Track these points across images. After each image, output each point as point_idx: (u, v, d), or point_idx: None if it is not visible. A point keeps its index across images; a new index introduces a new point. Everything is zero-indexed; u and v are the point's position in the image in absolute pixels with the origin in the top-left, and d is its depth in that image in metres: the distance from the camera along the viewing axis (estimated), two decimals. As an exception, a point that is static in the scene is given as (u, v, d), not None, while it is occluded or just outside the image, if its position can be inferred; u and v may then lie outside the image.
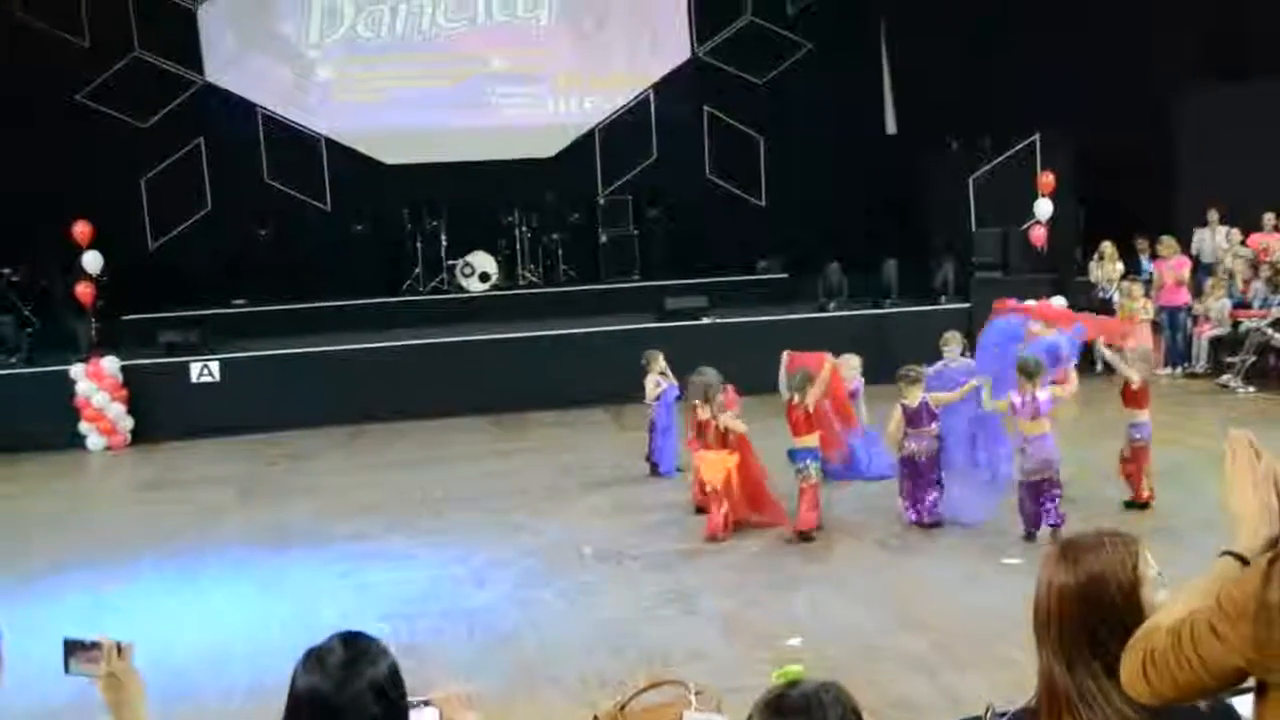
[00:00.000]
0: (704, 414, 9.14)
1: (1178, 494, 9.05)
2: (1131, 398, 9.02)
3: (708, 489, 9.03)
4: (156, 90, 18.06)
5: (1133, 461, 8.98)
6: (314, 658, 2.26)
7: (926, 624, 6.92)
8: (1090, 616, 2.29)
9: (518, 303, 17.49)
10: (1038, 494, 8.35)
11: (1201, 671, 1.94)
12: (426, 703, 2.41)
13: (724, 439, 9.03)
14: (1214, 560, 2.08)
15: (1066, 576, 2.34)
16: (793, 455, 8.92)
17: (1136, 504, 8.91)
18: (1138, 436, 8.96)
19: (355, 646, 2.28)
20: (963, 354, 10.49)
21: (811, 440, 8.88)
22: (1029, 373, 8.49)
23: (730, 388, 9.52)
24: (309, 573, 8.63)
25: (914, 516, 8.97)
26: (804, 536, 8.67)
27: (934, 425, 9.04)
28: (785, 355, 9.61)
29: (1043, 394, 8.44)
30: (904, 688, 5.94)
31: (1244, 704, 2.17)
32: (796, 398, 8.81)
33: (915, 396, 8.99)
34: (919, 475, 8.99)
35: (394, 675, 2.29)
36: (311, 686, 2.22)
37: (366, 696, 2.22)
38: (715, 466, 8.97)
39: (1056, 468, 8.38)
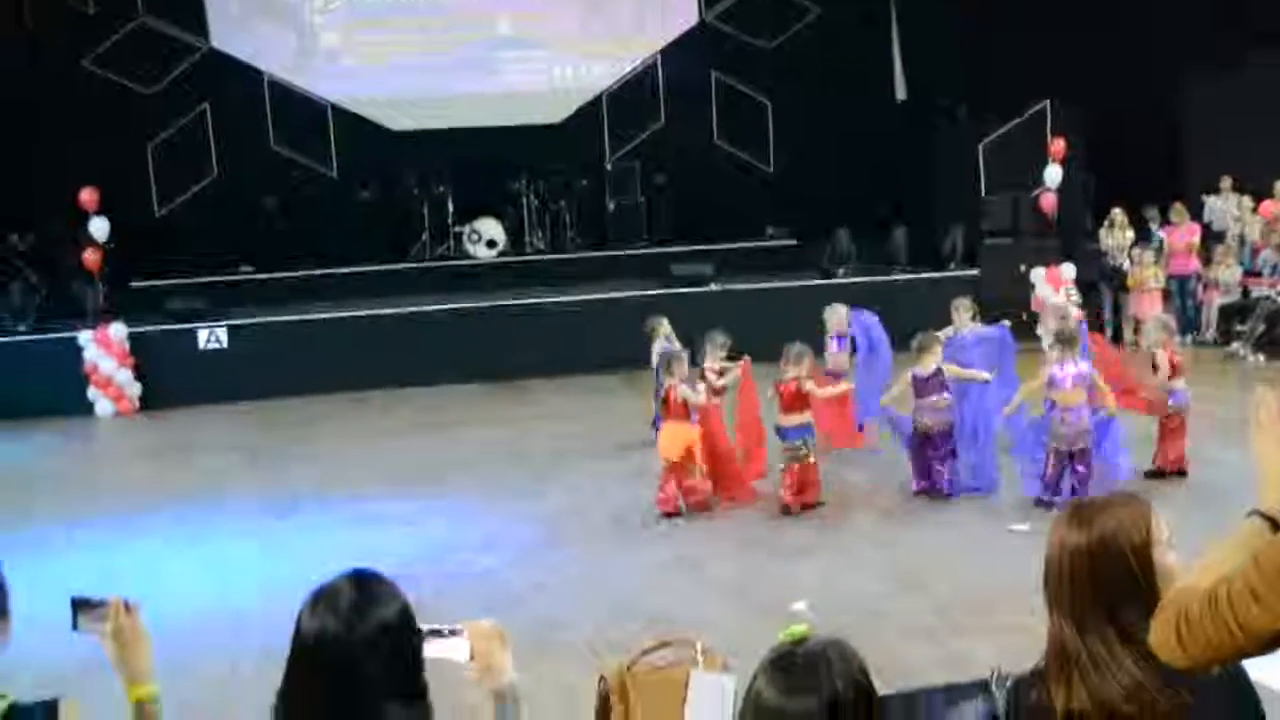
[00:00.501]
0: (666, 383, 8.73)
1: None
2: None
3: (662, 462, 8.67)
4: (162, 56, 18.00)
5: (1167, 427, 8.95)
6: (322, 599, 2.19)
7: (932, 590, 6.92)
8: (1102, 577, 2.28)
9: (525, 269, 17.50)
10: (1065, 463, 8.26)
11: (1240, 635, 1.91)
12: (455, 631, 2.30)
13: (686, 410, 8.65)
14: (1241, 520, 2.06)
15: (1078, 537, 2.32)
16: (784, 433, 8.65)
17: (1161, 472, 8.88)
18: (1172, 403, 8.93)
19: (365, 587, 2.20)
20: (973, 319, 10.45)
21: (805, 417, 8.64)
22: (1068, 341, 8.37)
23: (746, 360, 9.33)
24: (315, 537, 8.64)
25: (924, 485, 8.85)
26: (800, 510, 8.53)
27: (945, 395, 8.79)
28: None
29: (1084, 365, 8.31)
30: (909, 653, 5.94)
31: (1260, 667, 2.15)
32: (791, 372, 8.58)
33: (929, 364, 8.76)
34: (932, 449, 8.80)
35: (406, 615, 2.21)
36: (320, 629, 2.15)
37: (378, 638, 2.14)
38: (674, 439, 8.59)
39: (1091, 438, 8.30)
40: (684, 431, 8.60)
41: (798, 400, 8.60)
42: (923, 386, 8.79)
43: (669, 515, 8.54)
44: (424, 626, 2.26)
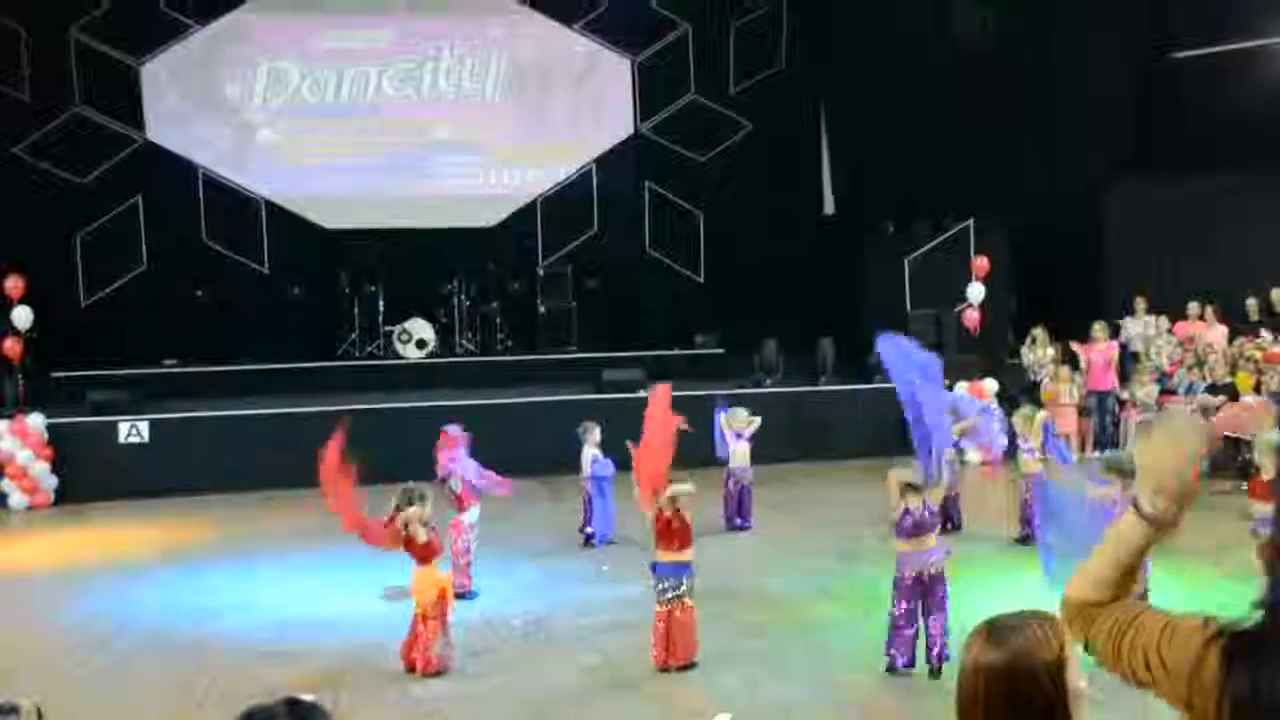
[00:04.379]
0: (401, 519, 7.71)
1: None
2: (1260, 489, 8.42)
3: (417, 610, 7.61)
4: (96, 147, 17.96)
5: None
6: None
7: (860, 702, 6.91)
8: (1017, 697, 2.23)
9: (454, 371, 17.44)
10: None
11: (1127, 674, 2.14)
12: None
13: (431, 551, 7.72)
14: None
15: (993, 655, 2.26)
16: (657, 571, 7.55)
17: None
18: (1262, 530, 8.49)
19: (299, 715, 2.16)
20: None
21: (685, 555, 7.51)
22: (1122, 470, 7.29)
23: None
24: (234, 642, 8.44)
25: (903, 662, 7.17)
26: (674, 669, 7.43)
27: (933, 535, 7.29)
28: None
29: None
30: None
31: None
32: (664, 506, 7.51)
33: (917, 503, 7.23)
34: (929, 600, 7.17)
35: None
36: None
37: None
38: (427, 584, 7.65)
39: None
40: (436, 577, 7.72)
41: (679, 533, 7.54)
42: (915, 525, 7.24)
43: (426, 673, 7.48)
44: None
